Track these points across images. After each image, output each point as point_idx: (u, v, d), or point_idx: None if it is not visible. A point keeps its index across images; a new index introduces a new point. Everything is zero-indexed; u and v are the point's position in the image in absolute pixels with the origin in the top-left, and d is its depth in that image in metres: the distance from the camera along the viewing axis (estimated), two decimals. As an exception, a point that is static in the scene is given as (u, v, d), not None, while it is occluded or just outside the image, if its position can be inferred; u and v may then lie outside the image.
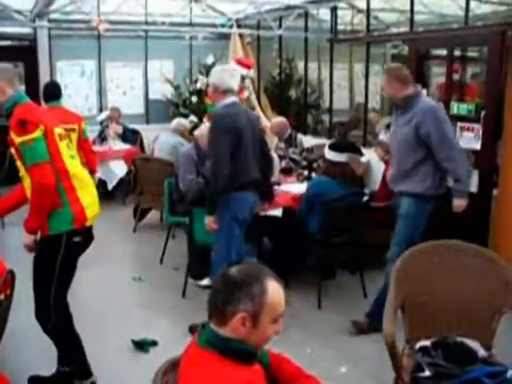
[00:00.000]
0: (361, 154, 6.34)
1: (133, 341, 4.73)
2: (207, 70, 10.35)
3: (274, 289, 2.06)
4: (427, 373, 2.27)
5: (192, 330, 4.75)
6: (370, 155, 7.79)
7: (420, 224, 4.90)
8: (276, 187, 6.11)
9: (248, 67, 7.11)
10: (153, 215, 8.29)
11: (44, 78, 10.65)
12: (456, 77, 6.93)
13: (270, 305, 2.03)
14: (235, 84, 4.85)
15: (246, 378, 2.00)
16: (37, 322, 4.00)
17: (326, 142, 7.97)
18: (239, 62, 7.15)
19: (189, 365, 2.08)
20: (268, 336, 2.10)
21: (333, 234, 5.51)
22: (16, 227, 4.49)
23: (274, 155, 7.17)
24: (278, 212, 5.77)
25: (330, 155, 5.57)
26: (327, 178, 5.58)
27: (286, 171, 7.06)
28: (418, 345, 2.88)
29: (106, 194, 8.99)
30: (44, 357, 4.39)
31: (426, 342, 2.57)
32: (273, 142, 8.82)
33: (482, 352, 2.99)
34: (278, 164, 6.91)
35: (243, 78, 7.03)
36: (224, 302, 2.05)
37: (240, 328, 2.02)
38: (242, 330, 2.03)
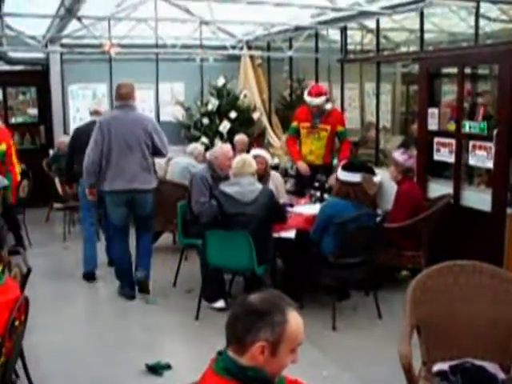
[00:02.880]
0: (374, 174, 6.34)
1: (146, 365, 4.71)
2: (218, 92, 10.42)
3: (295, 318, 2.05)
4: (446, 398, 2.24)
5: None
6: (382, 175, 7.78)
7: None
8: (289, 209, 6.12)
9: (321, 94, 7.21)
10: (165, 238, 8.29)
11: (56, 102, 10.81)
12: (467, 96, 6.93)
13: (290, 334, 2.02)
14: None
15: None
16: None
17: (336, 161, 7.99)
18: (311, 93, 7.26)
19: None
20: (285, 365, 2.08)
21: (346, 255, 5.49)
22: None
23: (276, 174, 7.20)
24: (291, 234, 5.76)
25: (343, 175, 5.56)
26: (340, 199, 5.57)
27: (298, 193, 7.05)
28: (435, 368, 2.85)
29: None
30: (50, 380, 4.44)
31: (444, 366, 2.54)
32: (284, 161, 8.86)
33: (501, 375, 2.96)
34: (281, 183, 6.92)
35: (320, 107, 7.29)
36: (244, 330, 2.03)
37: (259, 357, 2.00)
38: (261, 359, 2.01)
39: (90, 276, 6.90)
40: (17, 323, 3.25)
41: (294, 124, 7.69)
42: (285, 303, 2.07)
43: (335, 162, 7.65)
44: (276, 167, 8.81)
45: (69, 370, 4.70)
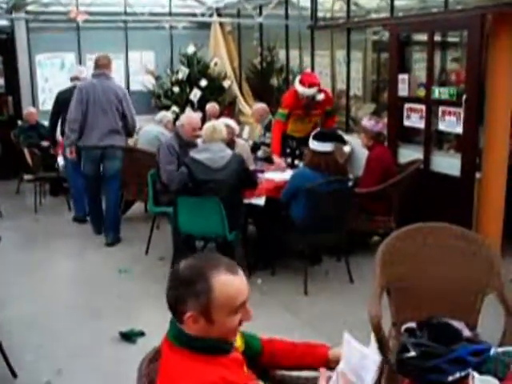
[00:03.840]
0: (344, 143, 6.36)
1: (120, 332, 4.73)
2: (188, 60, 10.33)
3: (223, 283, 1.94)
4: (412, 353, 2.27)
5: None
6: (353, 142, 7.82)
7: None
8: (259, 175, 6.12)
9: (314, 85, 6.97)
10: (137, 207, 8.28)
11: (23, 72, 10.63)
12: (437, 62, 6.96)
13: (218, 301, 1.93)
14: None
15: (218, 374, 1.92)
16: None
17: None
18: (303, 83, 7.00)
19: (164, 359, 2.04)
20: (232, 327, 2.01)
21: (316, 221, 5.51)
22: None
23: (242, 141, 7.16)
24: (261, 200, 5.77)
25: (314, 145, 5.55)
26: (310, 169, 5.57)
27: (268, 159, 7.04)
28: (404, 327, 2.90)
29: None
30: (24, 349, 4.44)
31: (412, 324, 2.58)
32: (256, 129, 8.84)
33: (466, 332, 3.01)
34: (248, 151, 6.90)
35: (313, 98, 7.01)
36: (173, 300, 1.98)
37: (194, 326, 1.95)
38: (197, 327, 1.96)
39: (82, 219, 7.89)
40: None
41: (285, 111, 7.38)
42: (210, 268, 1.96)
43: None
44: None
45: (42, 340, 4.69)
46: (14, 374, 4.08)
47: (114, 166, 7.11)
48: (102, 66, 7.10)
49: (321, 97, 7.01)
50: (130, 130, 7.28)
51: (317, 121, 7.37)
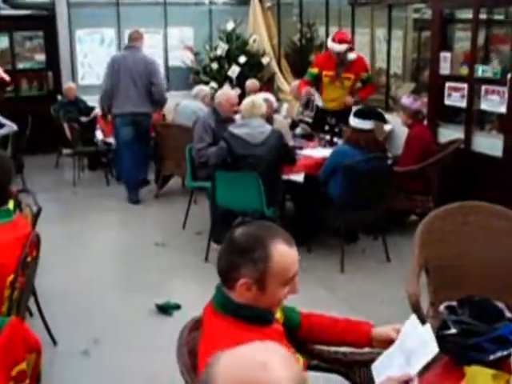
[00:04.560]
0: (385, 122, 6.29)
1: (156, 305, 4.79)
2: (227, 37, 10.29)
3: (280, 253, 1.95)
4: (453, 330, 2.25)
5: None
6: (392, 120, 7.73)
7: None
8: (298, 152, 6.10)
9: (344, 41, 7.07)
10: (175, 181, 8.33)
11: (64, 47, 10.69)
12: (481, 40, 6.82)
13: (274, 269, 1.94)
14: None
15: None
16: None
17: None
18: (334, 40, 7.11)
19: (207, 326, 2.06)
20: (280, 298, 2.03)
21: (355, 198, 5.48)
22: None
23: (280, 118, 7.14)
24: (300, 177, 5.75)
25: (355, 122, 5.52)
26: (350, 146, 5.54)
27: (307, 136, 7.02)
28: (444, 304, 2.88)
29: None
30: (63, 319, 4.50)
31: (452, 302, 2.56)
32: (295, 106, 8.79)
33: (507, 313, 2.97)
34: (286, 128, 6.86)
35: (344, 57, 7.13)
36: (227, 267, 1.99)
37: (246, 293, 1.96)
38: (249, 295, 1.96)
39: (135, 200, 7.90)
40: (29, 259, 3.28)
41: (314, 70, 7.48)
42: (270, 236, 1.97)
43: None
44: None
45: (80, 311, 4.77)
46: (54, 341, 4.18)
47: (142, 132, 7.72)
48: (134, 39, 7.76)
49: (352, 56, 7.08)
50: (158, 99, 7.75)
51: (349, 86, 7.32)
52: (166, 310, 4.73)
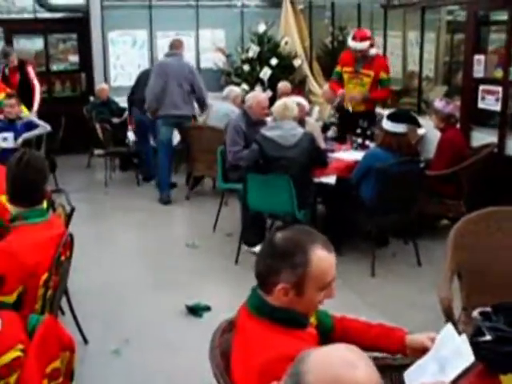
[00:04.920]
0: (419, 126, 6.25)
1: (186, 306, 4.80)
2: (259, 39, 10.30)
3: (320, 258, 1.96)
4: (488, 337, 2.22)
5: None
6: (424, 124, 7.66)
7: None
8: (330, 154, 6.09)
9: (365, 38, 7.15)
10: (205, 183, 8.35)
11: (96, 49, 10.79)
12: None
13: (313, 274, 1.94)
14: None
15: (297, 347, 1.90)
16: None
17: (379, 109, 7.88)
18: (355, 38, 7.19)
19: (241, 329, 2.07)
20: (316, 303, 2.04)
21: (387, 202, 5.45)
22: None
23: (312, 120, 7.13)
24: (331, 179, 5.74)
25: (388, 125, 5.49)
26: (383, 149, 5.52)
27: (339, 139, 7.00)
28: (478, 310, 2.84)
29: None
30: (94, 318, 4.54)
31: (486, 308, 2.52)
32: (326, 109, 8.76)
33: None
34: (318, 130, 6.84)
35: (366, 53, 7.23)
36: (266, 271, 1.99)
37: (283, 298, 1.96)
38: (286, 300, 1.97)
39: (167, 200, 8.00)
40: (62, 258, 3.32)
41: (338, 68, 7.65)
42: (310, 242, 1.98)
43: (378, 109, 7.61)
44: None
45: (111, 311, 4.82)
46: (86, 341, 4.21)
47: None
48: (175, 47, 8.14)
49: (373, 51, 7.09)
50: (200, 103, 8.10)
51: (369, 83, 7.31)
52: (196, 311, 4.74)
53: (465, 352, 2.04)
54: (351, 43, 7.23)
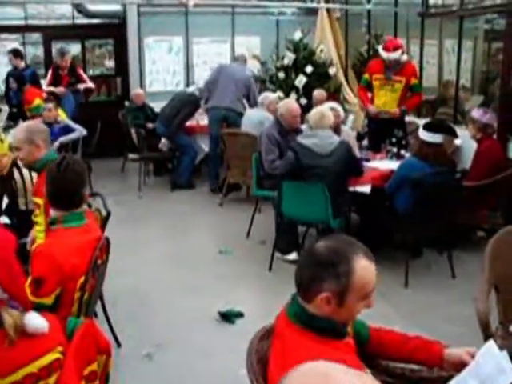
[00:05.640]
0: (456, 136, 6.19)
1: (219, 312, 4.81)
2: (294, 46, 10.29)
3: (363, 268, 1.97)
4: (527, 353, 2.19)
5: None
6: (460, 134, 7.59)
7: None
8: (365, 163, 6.06)
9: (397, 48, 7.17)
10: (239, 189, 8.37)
11: (133, 54, 10.91)
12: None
13: (356, 284, 1.95)
14: None
15: (336, 357, 1.91)
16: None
17: (414, 119, 7.84)
18: (387, 48, 7.20)
19: (280, 336, 2.06)
20: (355, 313, 2.05)
21: (422, 212, 5.39)
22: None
23: (347, 129, 7.11)
24: (366, 188, 5.71)
25: (424, 135, 5.45)
26: (418, 159, 5.47)
27: (374, 148, 6.96)
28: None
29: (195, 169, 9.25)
30: (127, 322, 4.57)
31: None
32: (361, 117, 8.74)
33: None
34: (353, 139, 6.81)
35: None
36: (309, 280, 1.99)
37: (325, 307, 1.97)
38: (327, 309, 1.97)
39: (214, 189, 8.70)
40: (99, 262, 3.35)
41: (366, 76, 7.68)
42: (353, 252, 1.98)
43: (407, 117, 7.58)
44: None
45: (144, 315, 4.84)
46: (119, 344, 4.24)
47: (236, 125, 8.46)
48: (240, 60, 9.10)
49: (404, 57, 7.08)
50: (251, 105, 8.66)
51: (400, 90, 7.27)
52: (228, 317, 4.75)
53: (506, 369, 2.01)
54: (384, 53, 7.20)
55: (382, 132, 7.16)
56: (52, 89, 9.43)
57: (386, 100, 7.39)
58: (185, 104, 8.82)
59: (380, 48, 7.39)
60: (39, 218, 3.78)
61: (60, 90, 9.46)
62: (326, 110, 5.74)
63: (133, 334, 4.46)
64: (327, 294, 1.95)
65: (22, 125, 4.62)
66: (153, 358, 4.21)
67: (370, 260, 2.00)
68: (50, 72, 9.71)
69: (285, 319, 2.07)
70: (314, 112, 5.64)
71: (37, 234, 3.72)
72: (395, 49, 7.12)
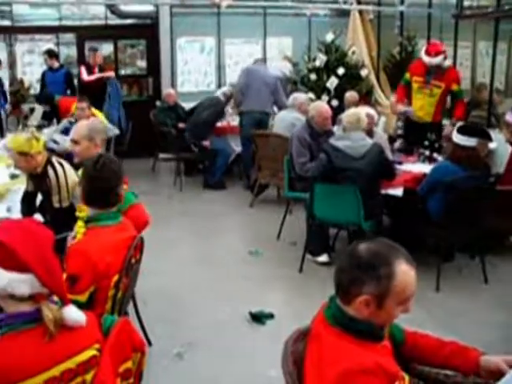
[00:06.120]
0: (490, 140, 6.13)
1: (250, 313, 4.81)
2: (326, 48, 10.26)
3: (403, 272, 1.97)
4: None
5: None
6: (494, 137, 7.51)
7: None
8: (397, 166, 6.03)
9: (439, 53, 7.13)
10: (269, 191, 8.36)
11: (165, 55, 10.96)
12: None
13: (396, 288, 1.96)
14: None
15: (374, 359, 1.94)
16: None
17: (447, 122, 7.76)
18: (429, 53, 7.15)
19: (317, 338, 2.06)
20: (394, 316, 2.05)
21: (455, 216, 5.35)
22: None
23: (380, 131, 7.07)
24: (398, 191, 5.68)
25: (458, 139, 5.40)
26: (452, 163, 5.42)
27: (406, 151, 6.92)
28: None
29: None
30: (158, 321, 4.58)
31: None
32: (392, 120, 8.69)
33: None
34: (386, 142, 6.77)
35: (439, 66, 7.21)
36: (349, 282, 2.00)
37: (364, 309, 1.98)
38: (366, 312, 1.98)
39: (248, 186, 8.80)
40: (133, 261, 3.37)
41: (407, 75, 7.67)
42: (394, 255, 1.99)
43: (444, 121, 7.48)
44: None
45: (175, 314, 4.87)
46: (150, 343, 4.26)
47: (266, 126, 8.75)
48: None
49: (446, 64, 7.02)
50: (279, 106, 8.79)
51: (438, 95, 7.21)
52: (259, 318, 4.75)
53: None
54: (425, 58, 7.15)
55: (418, 135, 7.10)
56: (101, 74, 9.60)
57: (422, 104, 7.34)
58: (210, 112, 8.91)
59: (422, 51, 7.33)
60: (82, 214, 3.82)
61: (110, 73, 9.54)
62: (362, 113, 5.72)
63: (163, 334, 4.48)
64: (367, 296, 1.95)
65: (87, 121, 4.81)
66: (183, 357, 4.23)
67: (410, 265, 2.01)
68: (82, 69, 9.77)
69: (322, 321, 2.07)
70: (350, 114, 5.61)
71: (78, 229, 3.76)
72: (437, 54, 7.05)
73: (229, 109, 9.75)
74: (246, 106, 8.82)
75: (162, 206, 8.16)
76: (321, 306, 2.17)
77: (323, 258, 5.83)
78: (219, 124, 9.32)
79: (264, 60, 9.52)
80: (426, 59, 7.11)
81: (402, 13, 10.41)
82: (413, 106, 7.47)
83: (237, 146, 9.15)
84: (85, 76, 9.57)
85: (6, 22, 10.90)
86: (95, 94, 8.98)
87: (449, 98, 7.52)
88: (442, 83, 7.20)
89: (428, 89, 7.27)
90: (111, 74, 9.67)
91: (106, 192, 3.23)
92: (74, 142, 4.34)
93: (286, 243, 6.51)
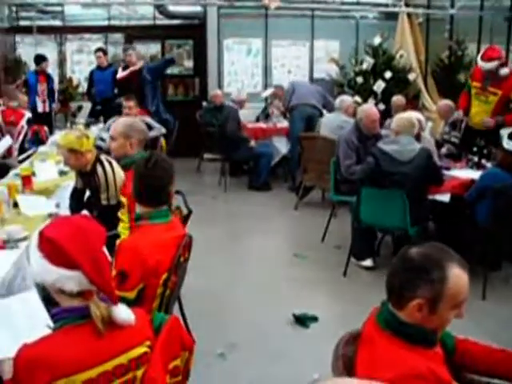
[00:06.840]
0: None
1: (294, 315, 4.81)
2: (374, 51, 10.20)
3: (457, 276, 1.95)
4: None
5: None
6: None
7: None
8: (445, 172, 5.96)
9: (492, 58, 7.00)
10: (314, 194, 8.34)
11: (212, 55, 11.04)
12: None
13: (449, 292, 1.94)
14: None
15: (426, 365, 1.92)
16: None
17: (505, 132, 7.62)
18: (482, 57, 7.05)
19: (369, 342, 2.06)
20: (446, 321, 2.03)
21: (503, 224, 5.25)
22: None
23: (428, 136, 6.98)
24: (445, 197, 5.61)
25: (509, 145, 5.31)
26: (501, 169, 5.34)
27: (454, 156, 6.83)
28: None
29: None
30: (201, 320, 4.54)
31: None
32: (439, 125, 8.58)
33: None
34: (433, 147, 6.69)
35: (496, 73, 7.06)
36: (401, 286, 1.99)
37: (416, 313, 1.96)
38: (418, 316, 1.97)
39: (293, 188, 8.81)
40: (182, 259, 3.39)
41: (469, 81, 7.56)
42: (447, 259, 1.97)
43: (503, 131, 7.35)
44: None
45: (218, 313, 4.89)
46: (193, 341, 4.26)
47: (315, 123, 8.84)
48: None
49: (505, 71, 6.86)
50: (327, 107, 8.90)
51: (495, 103, 7.07)
52: (303, 321, 4.74)
53: None
54: (479, 62, 7.05)
55: (470, 141, 7.00)
56: (130, 70, 9.41)
57: (477, 111, 7.21)
58: (230, 124, 9.02)
59: (479, 56, 7.23)
60: (124, 216, 3.86)
61: (136, 67, 9.46)
62: (411, 117, 5.70)
63: (206, 333, 4.47)
64: (419, 300, 1.95)
65: (126, 119, 4.87)
66: (227, 357, 4.25)
67: (463, 269, 1.99)
68: (119, 68, 9.72)
69: (374, 325, 2.06)
70: (402, 118, 5.58)
71: (121, 230, 3.81)
72: (489, 59, 6.90)
73: (274, 110, 9.76)
74: (297, 100, 8.91)
75: (206, 206, 8.19)
76: (372, 311, 2.16)
77: (368, 262, 5.80)
78: (264, 125, 9.35)
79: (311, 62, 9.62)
80: (480, 63, 7.00)
81: (451, 16, 10.28)
82: (471, 111, 7.34)
83: (282, 148, 9.15)
84: (118, 75, 9.61)
85: (58, 22, 11.12)
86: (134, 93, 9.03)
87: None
88: (498, 90, 7.03)
89: (484, 95, 7.12)
90: (137, 66, 9.44)
91: (158, 190, 3.26)
92: (111, 137, 4.38)
93: (330, 246, 6.49)
